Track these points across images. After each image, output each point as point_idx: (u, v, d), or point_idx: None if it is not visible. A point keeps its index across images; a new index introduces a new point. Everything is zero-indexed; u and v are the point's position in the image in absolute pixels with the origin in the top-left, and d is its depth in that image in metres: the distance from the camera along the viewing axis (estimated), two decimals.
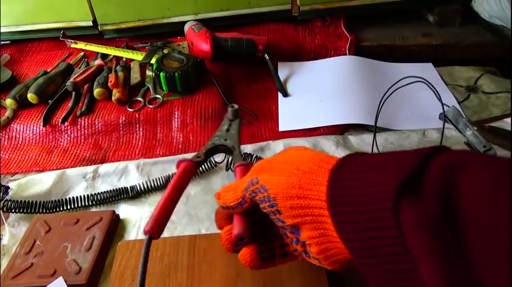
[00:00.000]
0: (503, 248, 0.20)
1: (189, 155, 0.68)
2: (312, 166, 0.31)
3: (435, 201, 0.23)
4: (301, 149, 0.35)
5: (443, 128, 0.60)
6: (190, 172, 0.43)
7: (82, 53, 0.98)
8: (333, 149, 0.67)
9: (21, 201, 0.59)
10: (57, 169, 0.68)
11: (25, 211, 0.59)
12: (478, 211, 0.22)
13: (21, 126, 0.78)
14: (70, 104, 0.79)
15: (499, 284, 0.20)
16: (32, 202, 0.59)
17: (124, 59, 0.92)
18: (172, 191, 0.40)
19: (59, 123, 0.77)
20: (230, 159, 0.63)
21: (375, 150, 0.64)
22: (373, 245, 0.25)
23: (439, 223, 0.23)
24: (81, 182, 0.65)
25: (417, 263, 0.23)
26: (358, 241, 0.26)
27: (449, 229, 0.23)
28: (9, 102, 0.80)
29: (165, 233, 0.55)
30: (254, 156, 0.62)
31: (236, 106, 0.50)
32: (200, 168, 0.64)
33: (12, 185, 0.64)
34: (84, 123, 0.77)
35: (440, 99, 0.59)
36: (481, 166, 0.24)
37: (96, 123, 0.77)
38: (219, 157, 0.63)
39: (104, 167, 0.67)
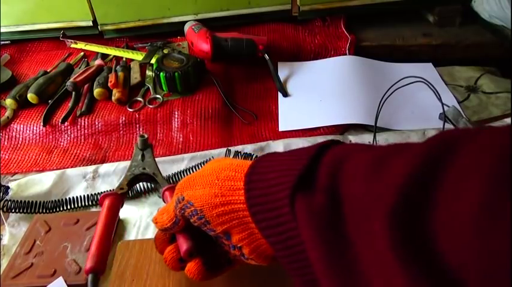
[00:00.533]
0: (378, 232, 0.22)
1: (189, 155, 0.68)
2: (229, 173, 0.33)
3: (322, 194, 0.26)
4: (221, 160, 0.37)
5: (443, 128, 0.60)
6: (118, 204, 0.45)
7: (82, 53, 0.98)
8: None
9: (21, 201, 0.59)
10: (57, 169, 0.68)
11: (25, 211, 0.59)
12: (353, 200, 0.24)
13: (21, 126, 0.78)
14: (70, 104, 0.79)
15: (380, 270, 0.22)
16: (32, 202, 0.59)
17: (124, 59, 0.92)
18: (105, 227, 0.43)
19: (59, 123, 0.77)
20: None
21: None
22: (283, 239, 0.28)
23: (325, 214, 0.25)
24: (81, 182, 0.65)
25: (308, 252, 0.26)
26: (274, 236, 0.29)
27: (334, 220, 0.25)
28: (9, 102, 0.80)
29: None
30: (254, 156, 0.62)
31: (146, 135, 0.52)
32: (200, 167, 0.64)
33: (12, 185, 0.64)
34: (84, 123, 0.77)
35: (440, 99, 0.59)
36: (359, 156, 0.26)
37: (96, 123, 0.77)
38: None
39: (104, 167, 0.67)
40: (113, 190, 0.50)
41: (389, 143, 0.27)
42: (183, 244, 0.37)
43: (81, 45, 0.99)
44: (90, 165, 0.69)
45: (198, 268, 0.37)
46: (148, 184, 0.62)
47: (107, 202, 0.45)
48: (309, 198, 0.26)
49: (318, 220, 0.25)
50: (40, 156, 0.72)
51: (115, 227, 0.43)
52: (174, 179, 0.63)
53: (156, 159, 0.67)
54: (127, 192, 0.48)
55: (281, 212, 0.28)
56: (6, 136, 0.77)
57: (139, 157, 0.51)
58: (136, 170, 0.49)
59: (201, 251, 0.38)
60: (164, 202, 0.47)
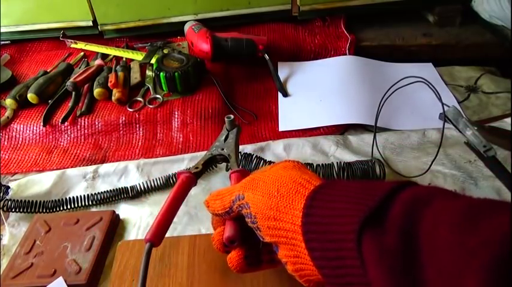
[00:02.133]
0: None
1: (189, 155, 0.68)
2: (290, 190, 0.33)
3: (396, 235, 0.24)
4: (287, 168, 0.37)
5: (443, 128, 0.60)
6: (190, 183, 0.46)
7: (82, 53, 0.98)
8: (333, 149, 0.67)
9: (21, 201, 0.59)
10: (57, 169, 0.68)
11: (25, 210, 0.59)
12: (437, 249, 0.23)
13: (21, 126, 0.78)
14: (70, 104, 0.79)
15: None
16: (32, 201, 0.59)
17: (124, 59, 0.92)
18: (173, 201, 0.43)
19: (59, 123, 0.77)
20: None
21: (375, 150, 0.64)
22: (341, 274, 0.27)
23: (398, 256, 0.24)
24: (81, 182, 0.65)
25: None
26: (329, 269, 0.28)
27: (408, 263, 0.23)
28: (9, 102, 0.80)
29: (165, 233, 0.55)
30: (254, 156, 0.62)
31: (232, 117, 0.52)
32: None
33: (12, 185, 0.64)
34: (84, 123, 0.77)
35: (440, 99, 0.59)
36: (444, 204, 0.25)
37: (96, 123, 0.77)
38: None
39: (104, 167, 0.67)
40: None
41: (479, 197, 0.25)
42: (228, 230, 0.38)
43: (81, 45, 0.99)
44: (90, 165, 0.69)
45: (239, 260, 0.38)
46: (147, 183, 0.62)
47: (180, 179, 0.45)
48: (380, 236, 0.25)
49: (390, 261, 0.24)
50: (40, 156, 0.72)
51: (180, 207, 0.44)
52: (174, 179, 0.63)
53: (156, 159, 0.68)
54: (202, 171, 0.48)
55: (344, 246, 0.26)
56: (6, 136, 0.77)
57: (223, 137, 0.52)
58: (215, 150, 0.50)
59: (246, 243, 0.38)
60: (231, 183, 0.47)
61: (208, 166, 0.51)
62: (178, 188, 0.44)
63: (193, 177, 0.46)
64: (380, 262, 0.24)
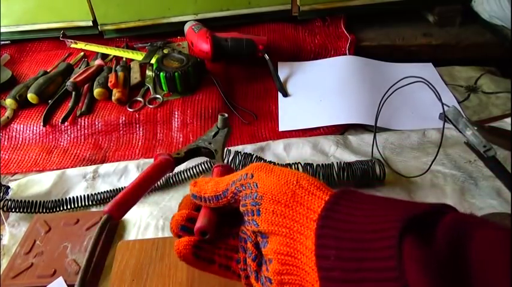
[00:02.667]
0: None
1: None
2: (311, 184, 0.29)
3: (445, 243, 0.22)
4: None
5: (443, 128, 0.60)
6: (166, 166, 0.42)
7: (82, 53, 0.98)
8: (333, 149, 0.67)
9: (21, 201, 0.59)
10: (57, 169, 0.68)
11: (25, 210, 0.59)
12: (489, 264, 0.21)
13: (21, 126, 0.78)
14: (70, 104, 0.79)
15: None
16: (32, 201, 0.59)
17: (124, 59, 0.92)
18: (143, 179, 0.39)
19: (59, 123, 0.77)
20: (230, 159, 0.63)
21: (375, 150, 0.64)
22: (358, 278, 0.23)
23: (448, 266, 0.22)
24: (81, 182, 0.65)
25: None
26: (340, 271, 0.24)
27: (458, 273, 0.21)
28: (9, 102, 0.80)
29: (165, 233, 0.55)
30: (254, 156, 0.62)
31: (226, 115, 0.51)
32: (200, 168, 0.64)
33: (12, 185, 0.64)
34: (84, 123, 0.77)
35: (440, 99, 0.59)
36: (496, 226, 0.23)
37: (96, 123, 0.77)
38: None
39: (104, 167, 0.67)
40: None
41: None
42: (202, 220, 0.33)
43: (81, 45, 0.99)
44: (90, 165, 0.69)
45: (187, 245, 0.33)
46: None
47: (158, 159, 0.42)
48: (425, 244, 0.22)
49: (439, 269, 0.22)
50: (40, 156, 0.72)
51: (150, 188, 0.40)
52: (173, 179, 0.63)
53: None
54: (183, 159, 0.46)
55: (374, 246, 0.23)
56: (6, 136, 0.77)
57: (213, 133, 0.50)
58: (202, 143, 0.48)
59: (215, 237, 0.34)
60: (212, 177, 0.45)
61: (190, 155, 0.48)
62: (153, 168, 0.41)
63: (171, 161, 0.43)
64: (427, 268, 0.22)
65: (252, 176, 0.31)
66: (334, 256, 0.24)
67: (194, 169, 0.63)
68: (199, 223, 0.33)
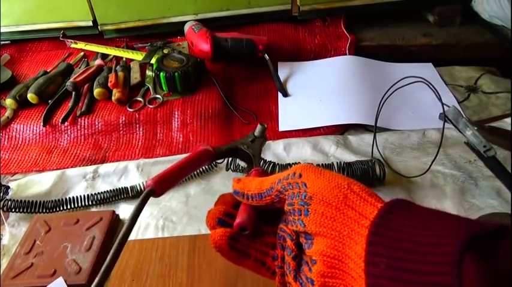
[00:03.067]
0: None
1: None
2: (363, 191, 0.29)
3: (508, 264, 0.21)
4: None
5: (443, 128, 0.60)
6: (206, 157, 0.42)
7: (82, 53, 0.98)
8: (333, 149, 0.67)
9: (21, 201, 0.59)
10: (57, 169, 0.68)
11: (25, 210, 0.59)
12: None
13: (21, 126, 0.78)
14: (70, 104, 0.79)
15: None
16: (32, 201, 0.59)
17: (124, 59, 0.92)
18: (185, 162, 0.39)
19: (59, 123, 0.77)
20: (230, 160, 0.63)
21: (375, 150, 0.64)
22: None
23: (508, 285, 0.21)
24: (81, 182, 0.65)
25: None
26: (389, 280, 0.23)
27: None
28: (9, 102, 0.80)
29: (165, 233, 0.55)
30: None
31: (266, 126, 0.51)
32: (201, 168, 0.64)
33: (12, 185, 0.64)
34: (84, 123, 0.77)
35: (440, 99, 0.59)
36: None
37: (96, 123, 0.77)
38: None
39: (104, 167, 0.67)
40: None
41: None
42: (242, 216, 0.33)
43: (81, 45, 0.99)
44: (90, 165, 0.69)
45: (223, 236, 0.33)
46: None
47: (200, 149, 0.42)
48: (485, 262, 0.22)
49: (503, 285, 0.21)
50: (40, 156, 0.72)
51: (189, 173, 0.40)
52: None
53: (156, 159, 0.68)
54: (222, 154, 0.46)
55: (429, 259, 0.22)
56: (6, 136, 0.77)
57: (250, 139, 0.50)
58: (242, 146, 0.49)
59: (252, 234, 0.34)
60: None
61: (230, 153, 0.48)
62: (194, 154, 0.41)
63: (212, 152, 0.43)
64: (491, 284, 0.21)
65: (301, 176, 0.31)
66: (384, 264, 0.24)
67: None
68: (239, 219, 0.33)
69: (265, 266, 0.34)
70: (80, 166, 0.69)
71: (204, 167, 0.64)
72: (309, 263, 0.29)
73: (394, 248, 0.24)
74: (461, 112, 0.67)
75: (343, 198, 0.28)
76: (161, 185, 0.36)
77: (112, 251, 0.33)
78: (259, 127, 0.50)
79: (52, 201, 0.60)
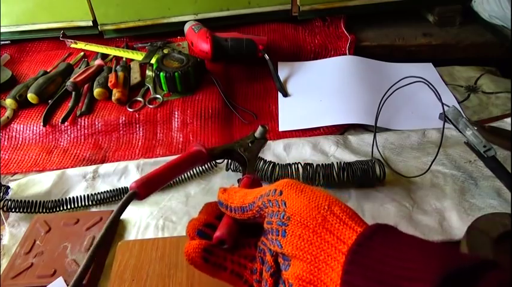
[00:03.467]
0: None
1: None
2: (344, 215, 0.27)
3: None
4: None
5: (443, 128, 0.60)
6: (198, 158, 0.42)
7: (82, 53, 0.98)
8: (333, 149, 0.67)
9: (21, 200, 0.59)
10: (57, 169, 0.68)
11: (25, 210, 0.59)
12: None
13: (21, 126, 0.78)
14: (70, 104, 0.79)
15: None
16: (32, 201, 0.59)
17: (124, 59, 0.92)
18: (173, 164, 0.39)
19: (59, 123, 0.77)
20: (230, 160, 0.63)
21: (375, 150, 0.64)
22: None
23: None
24: (81, 182, 0.65)
25: None
26: None
27: None
28: (9, 102, 0.80)
29: (165, 233, 0.55)
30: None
31: (267, 127, 0.50)
32: (201, 168, 0.64)
33: (12, 185, 0.64)
34: (84, 123, 0.77)
35: (440, 99, 0.59)
36: None
37: (96, 123, 0.77)
38: None
39: (104, 167, 0.67)
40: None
41: None
42: (222, 230, 0.33)
43: (81, 45, 0.99)
44: (90, 165, 0.69)
45: (197, 248, 0.32)
46: None
47: (193, 149, 0.42)
48: None
49: None
50: (40, 156, 0.72)
51: (179, 175, 0.40)
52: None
53: (156, 159, 0.68)
54: (215, 155, 0.45)
55: None
56: (6, 136, 0.77)
57: (249, 140, 0.50)
58: (238, 148, 0.48)
59: (233, 246, 0.33)
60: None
61: (224, 155, 0.48)
62: (185, 155, 0.41)
63: (204, 153, 0.42)
64: None
65: (281, 193, 0.30)
66: None
67: (195, 169, 0.63)
68: (219, 232, 0.33)
69: (243, 279, 0.33)
70: (80, 166, 0.69)
71: (204, 167, 0.64)
72: (286, 285, 0.28)
73: (370, 279, 0.23)
74: (461, 112, 0.67)
75: (322, 220, 0.27)
76: (145, 188, 0.36)
77: (89, 253, 0.32)
78: (260, 129, 0.49)
79: (52, 201, 0.60)
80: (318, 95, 0.80)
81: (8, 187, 0.62)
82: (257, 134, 0.49)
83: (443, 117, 0.65)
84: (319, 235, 0.27)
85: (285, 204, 0.29)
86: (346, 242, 0.26)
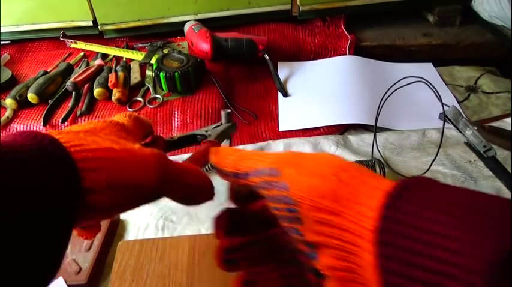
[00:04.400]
0: None
1: (188, 155, 0.68)
2: (354, 177, 0.23)
3: None
4: (339, 157, 0.26)
5: (443, 128, 0.60)
6: (155, 145, 0.41)
7: (82, 53, 0.98)
8: (333, 149, 0.67)
9: None
10: None
11: None
12: None
13: (21, 126, 0.78)
14: (70, 104, 0.79)
15: None
16: None
17: (124, 59, 0.92)
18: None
19: (59, 124, 0.77)
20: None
21: (375, 150, 0.64)
22: None
23: None
24: None
25: None
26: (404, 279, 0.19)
27: None
28: (9, 102, 0.80)
29: (165, 233, 0.55)
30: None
31: (229, 111, 0.49)
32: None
33: None
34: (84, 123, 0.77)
35: (440, 99, 0.59)
36: None
37: None
38: None
39: None
40: None
41: None
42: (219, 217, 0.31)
43: (81, 45, 0.99)
44: None
45: (219, 249, 0.30)
46: None
47: (148, 139, 0.40)
48: None
49: None
50: None
51: None
52: None
53: None
54: (174, 143, 0.45)
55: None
56: None
57: (214, 126, 0.49)
58: (199, 132, 0.47)
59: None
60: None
61: (185, 141, 0.45)
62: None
63: (162, 140, 0.41)
64: None
65: (279, 174, 0.25)
66: (402, 285, 0.19)
67: None
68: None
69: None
70: None
71: (205, 168, 0.64)
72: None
73: (408, 264, 0.19)
74: (461, 112, 0.67)
75: (333, 196, 0.23)
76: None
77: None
78: (223, 113, 0.48)
79: None
80: (318, 95, 0.80)
81: None
82: (222, 120, 0.48)
83: (443, 117, 0.65)
84: (337, 215, 0.22)
85: (286, 187, 0.25)
86: (369, 216, 0.21)
